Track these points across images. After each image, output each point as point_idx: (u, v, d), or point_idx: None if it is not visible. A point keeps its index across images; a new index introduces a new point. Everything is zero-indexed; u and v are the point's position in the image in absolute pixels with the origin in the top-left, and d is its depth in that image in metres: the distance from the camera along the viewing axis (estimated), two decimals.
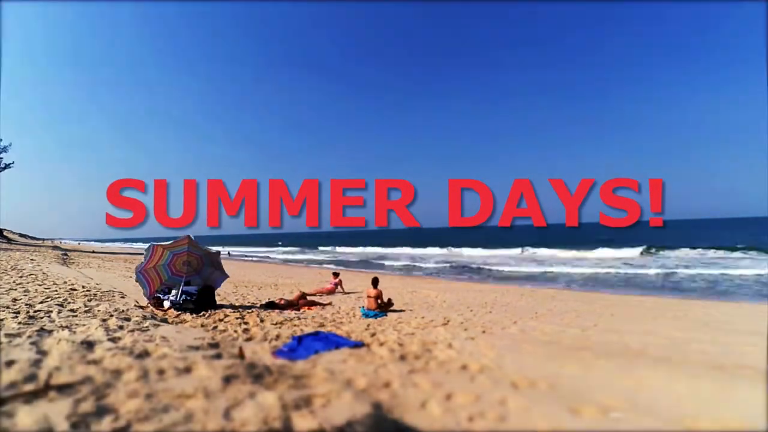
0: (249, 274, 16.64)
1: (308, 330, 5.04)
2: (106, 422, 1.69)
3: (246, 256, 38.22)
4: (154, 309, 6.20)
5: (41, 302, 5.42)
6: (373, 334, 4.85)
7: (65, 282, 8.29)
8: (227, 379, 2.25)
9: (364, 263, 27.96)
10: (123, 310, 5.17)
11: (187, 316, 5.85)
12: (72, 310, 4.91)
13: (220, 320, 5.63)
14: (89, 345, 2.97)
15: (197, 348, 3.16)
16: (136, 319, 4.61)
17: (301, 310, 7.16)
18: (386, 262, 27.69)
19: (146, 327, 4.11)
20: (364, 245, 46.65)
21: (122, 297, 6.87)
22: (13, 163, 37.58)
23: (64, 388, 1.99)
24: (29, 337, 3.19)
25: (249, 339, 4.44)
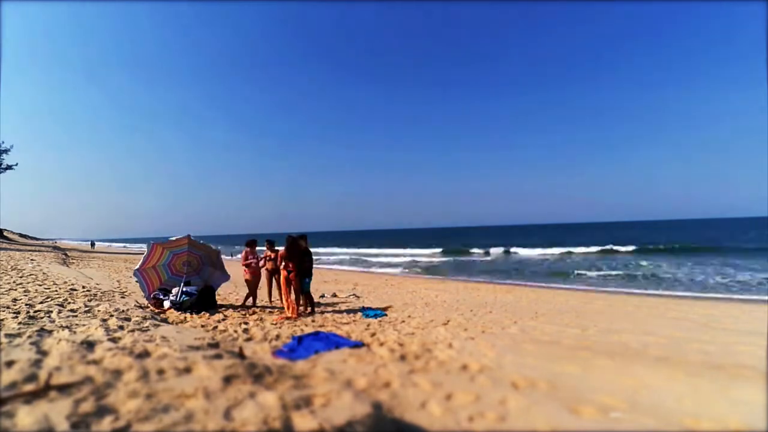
0: None
1: (308, 330, 5.04)
2: (107, 422, 1.69)
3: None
4: (154, 309, 6.20)
5: (41, 302, 5.42)
6: (373, 334, 4.85)
7: (65, 282, 8.29)
8: (227, 379, 2.25)
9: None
10: (123, 310, 5.17)
11: (187, 316, 5.85)
12: (72, 310, 4.91)
13: (220, 320, 5.63)
14: (89, 345, 2.97)
15: (197, 348, 3.15)
16: (136, 319, 4.61)
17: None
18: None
19: (146, 327, 4.11)
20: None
21: (122, 297, 6.87)
22: (17, 164, 37.57)
23: (64, 388, 1.99)
24: (29, 337, 3.19)
25: (249, 339, 4.44)
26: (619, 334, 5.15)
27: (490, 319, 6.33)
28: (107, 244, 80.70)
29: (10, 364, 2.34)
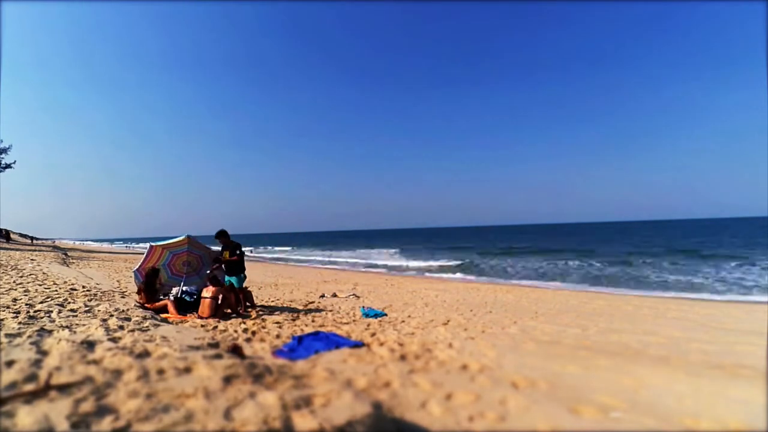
0: (249, 274, 16.62)
1: (308, 330, 5.04)
2: (107, 422, 1.68)
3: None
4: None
5: (41, 302, 5.41)
6: (373, 334, 4.85)
7: (65, 282, 8.29)
8: (227, 379, 2.25)
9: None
10: (123, 310, 5.17)
11: (188, 316, 5.85)
12: (72, 310, 4.91)
13: (220, 320, 5.63)
14: (89, 345, 2.97)
15: (197, 348, 3.15)
16: (137, 319, 4.61)
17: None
18: None
19: (146, 327, 4.11)
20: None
21: (122, 297, 6.87)
22: (14, 162, 37.47)
23: (64, 388, 1.99)
24: (29, 337, 3.19)
25: (249, 339, 4.44)
26: (619, 334, 5.15)
27: (490, 319, 6.33)
28: (109, 244, 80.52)
29: (10, 363, 2.34)
